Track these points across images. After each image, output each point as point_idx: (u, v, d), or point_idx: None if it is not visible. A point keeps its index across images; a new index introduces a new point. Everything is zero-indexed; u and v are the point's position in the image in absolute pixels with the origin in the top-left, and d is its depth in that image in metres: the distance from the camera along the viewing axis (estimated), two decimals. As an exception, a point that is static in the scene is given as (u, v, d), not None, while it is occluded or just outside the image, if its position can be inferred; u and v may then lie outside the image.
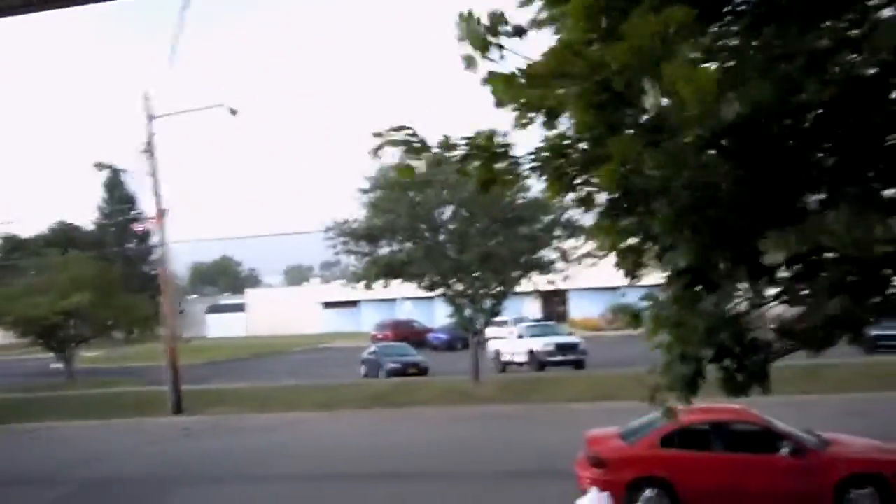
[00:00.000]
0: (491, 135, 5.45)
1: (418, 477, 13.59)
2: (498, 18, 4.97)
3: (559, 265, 23.75)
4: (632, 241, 6.08)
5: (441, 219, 23.04)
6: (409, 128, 5.26)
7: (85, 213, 71.94)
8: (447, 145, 5.37)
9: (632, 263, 6.37)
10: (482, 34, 4.97)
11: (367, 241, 23.67)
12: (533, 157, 5.46)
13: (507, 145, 5.46)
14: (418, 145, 5.29)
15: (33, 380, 35.52)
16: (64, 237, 64.52)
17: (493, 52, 5.03)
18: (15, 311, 32.50)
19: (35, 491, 13.99)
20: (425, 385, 24.80)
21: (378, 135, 5.20)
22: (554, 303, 55.06)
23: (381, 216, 22.84)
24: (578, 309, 53.41)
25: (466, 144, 5.39)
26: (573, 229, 22.46)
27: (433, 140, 5.40)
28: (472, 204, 22.06)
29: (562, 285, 24.99)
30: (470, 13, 5.00)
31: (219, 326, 70.48)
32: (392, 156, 5.51)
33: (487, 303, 23.82)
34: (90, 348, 40.20)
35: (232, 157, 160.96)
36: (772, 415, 10.57)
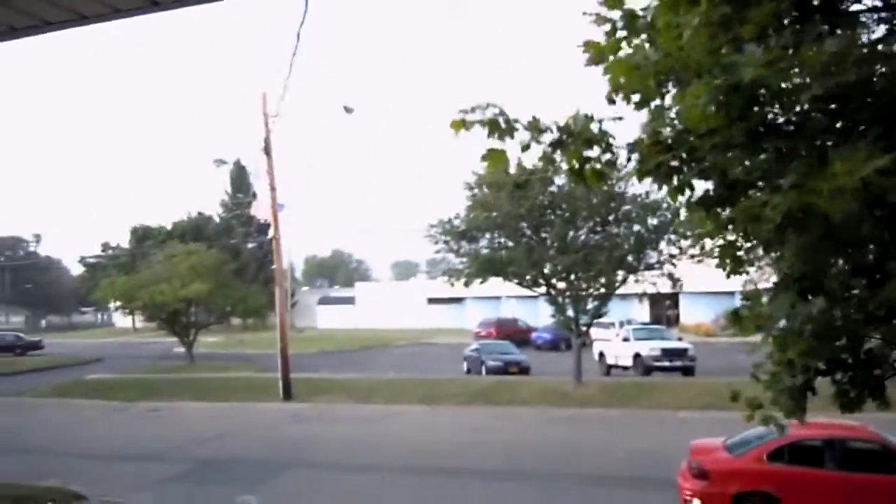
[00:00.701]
0: (588, 119, 5.20)
1: (514, 476, 13.60)
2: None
3: (666, 268, 23.12)
4: (731, 236, 5.79)
5: (542, 217, 22.78)
6: (495, 106, 4.97)
7: (213, 206, 75.89)
8: (536, 127, 5.08)
9: (733, 261, 6.04)
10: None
11: (467, 240, 23.81)
12: (632, 147, 5.23)
13: (604, 132, 5.22)
14: (504, 126, 4.96)
15: (158, 362, 38.06)
16: (191, 228, 68.69)
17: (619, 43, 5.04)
18: (142, 298, 34.77)
19: (156, 466, 14.97)
20: (526, 384, 24.72)
21: (464, 112, 4.90)
22: (664, 306, 53.50)
23: (482, 213, 22.90)
24: (690, 313, 51.64)
25: (559, 129, 5.14)
26: (679, 231, 21.76)
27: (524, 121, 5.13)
28: (573, 202, 21.74)
29: (670, 288, 24.32)
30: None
31: (329, 318, 72.88)
32: (474, 134, 5.13)
33: (591, 303, 23.46)
34: (210, 334, 42.52)
35: (347, 154, 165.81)
36: (892, 432, 9.89)
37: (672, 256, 22.79)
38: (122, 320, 74.95)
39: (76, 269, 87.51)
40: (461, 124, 4.90)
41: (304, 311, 72.22)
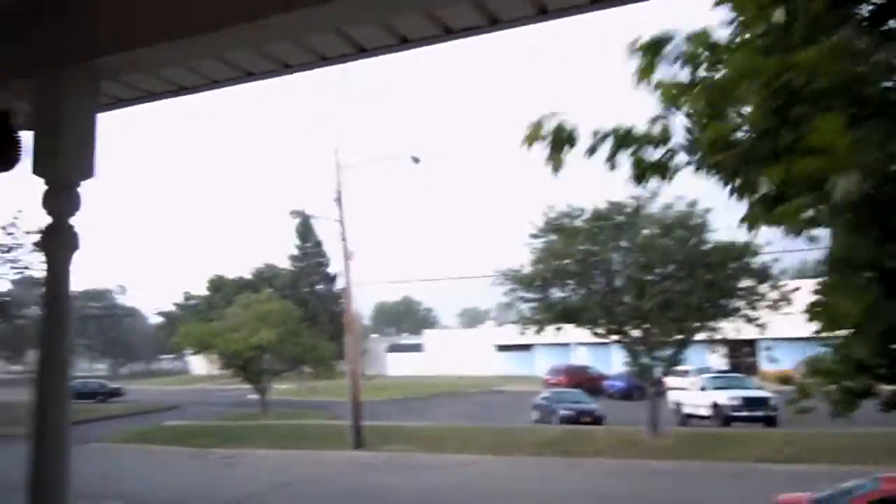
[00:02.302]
0: (653, 120, 5.24)
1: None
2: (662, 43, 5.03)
3: (749, 313, 22.46)
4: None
5: (616, 264, 22.60)
6: (561, 116, 5.02)
7: (283, 257, 78.20)
8: (599, 136, 5.17)
9: (829, 320, 5.79)
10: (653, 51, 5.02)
11: (536, 289, 23.68)
12: (691, 145, 5.26)
13: (665, 130, 5.23)
14: (565, 138, 5.02)
15: (232, 409, 38.85)
16: (262, 279, 70.78)
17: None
18: (217, 345, 35.77)
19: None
20: (599, 434, 24.15)
21: (532, 126, 4.96)
22: (743, 353, 51.63)
23: (550, 262, 22.81)
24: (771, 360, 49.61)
25: (616, 135, 5.18)
26: (764, 276, 21.36)
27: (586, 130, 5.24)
28: (650, 249, 21.48)
29: (752, 335, 23.61)
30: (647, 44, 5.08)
31: (398, 365, 73.08)
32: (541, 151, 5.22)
33: (667, 351, 22.90)
34: (282, 381, 43.21)
35: (416, 203, 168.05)
36: None
37: (753, 302, 22.15)
38: (197, 367, 76.98)
39: (156, 319, 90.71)
40: (532, 138, 4.97)
41: (373, 359, 72.64)
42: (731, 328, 23.11)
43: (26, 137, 2.44)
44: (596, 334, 24.07)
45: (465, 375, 61.78)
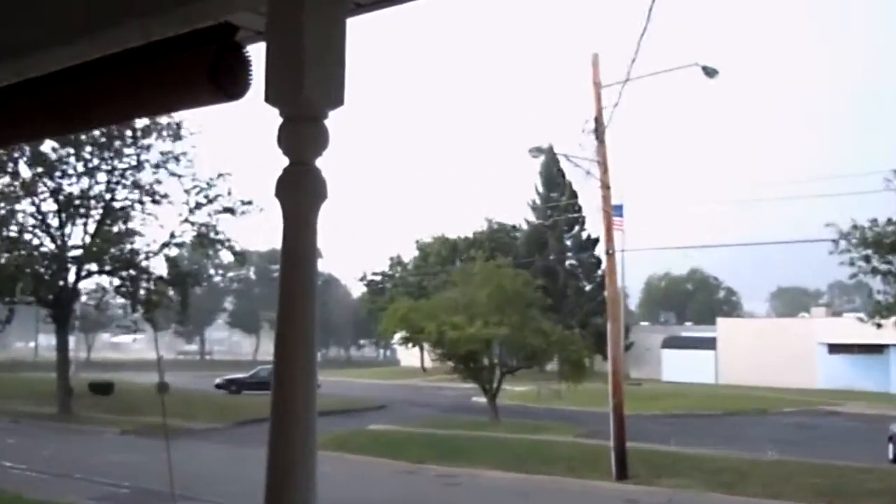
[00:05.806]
0: None
1: None
2: None
3: None
4: None
5: None
6: None
7: (518, 213, 79.75)
8: None
9: None
10: None
11: None
12: None
13: None
14: None
15: (452, 414, 40.67)
16: (490, 242, 72.76)
17: None
18: (433, 330, 36.73)
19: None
20: None
21: None
22: None
23: None
24: None
25: None
26: None
27: None
28: None
29: None
30: None
31: (678, 366, 71.77)
32: None
33: None
34: (516, 381, 44.39)
35: (707, 138, 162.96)
36: None
37: None
38: (407, 357, 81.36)
39: (358, 290, 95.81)
40: None
41: (643, 356, 72.19)
42: None
43: (257, 56, 2.59)
44: None
45: (777, 386, 59.47)
